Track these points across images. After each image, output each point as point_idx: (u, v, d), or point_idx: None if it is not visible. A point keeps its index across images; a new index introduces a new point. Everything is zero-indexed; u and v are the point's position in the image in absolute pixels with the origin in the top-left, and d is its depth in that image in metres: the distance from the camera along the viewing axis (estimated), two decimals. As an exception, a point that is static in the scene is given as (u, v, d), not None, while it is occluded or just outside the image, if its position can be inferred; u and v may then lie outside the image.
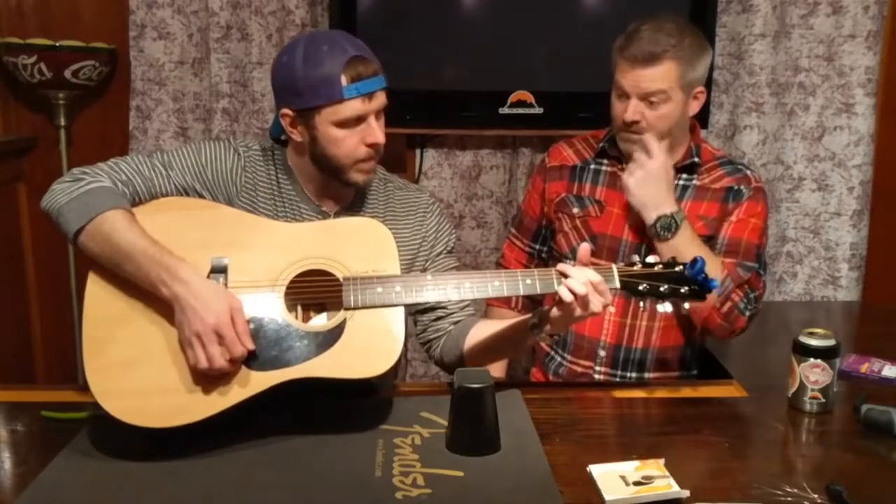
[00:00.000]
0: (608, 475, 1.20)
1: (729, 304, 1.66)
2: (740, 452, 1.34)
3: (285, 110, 1.45)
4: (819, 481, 1.20)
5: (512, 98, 2.55)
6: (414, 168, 2.73)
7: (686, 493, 1.16)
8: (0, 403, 1.48)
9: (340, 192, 1.55)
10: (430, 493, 1.15)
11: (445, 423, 1.32)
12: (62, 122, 2.63)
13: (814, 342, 1.45)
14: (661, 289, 1.38)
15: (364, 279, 1.35)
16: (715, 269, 1.61)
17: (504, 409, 1.32)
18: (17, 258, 2.73)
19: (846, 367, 1.65)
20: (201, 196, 1.48)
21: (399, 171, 2.76)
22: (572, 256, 1.76)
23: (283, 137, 1.53)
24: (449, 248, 1.65)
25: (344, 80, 1.38)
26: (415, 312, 1.63)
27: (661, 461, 1.23)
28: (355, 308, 1.33)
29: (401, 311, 1.35)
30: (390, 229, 1.50)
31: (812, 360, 1.44)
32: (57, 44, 2.47)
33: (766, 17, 2.56)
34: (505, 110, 2.56)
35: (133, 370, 1.27)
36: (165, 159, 1.48)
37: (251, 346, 1.27)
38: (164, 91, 2.64)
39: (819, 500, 1.16)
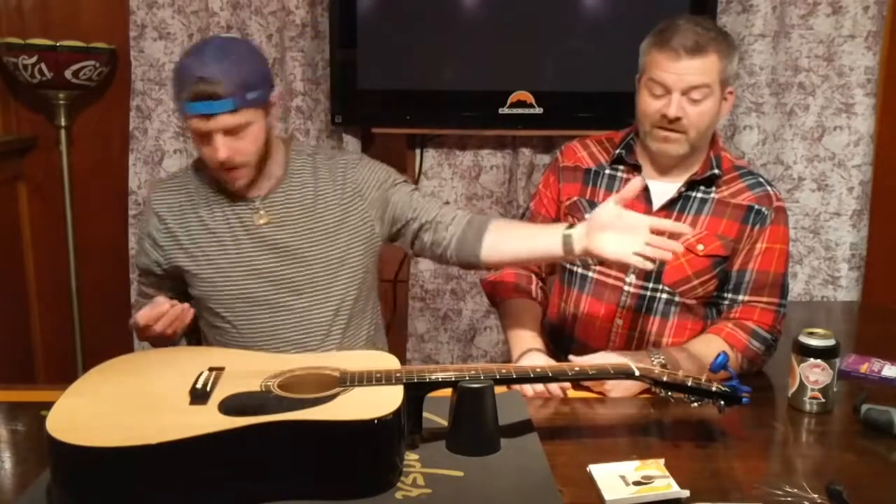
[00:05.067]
0: (608, 475, 1.20)
1: (748, 365, 1.64)
2: (740, 452, 1.34)
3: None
4: (819, 481, 1.20)
5: (512, 98, 2.55)
6: (414, 168, 2.73)
7: (686, 493, 1.16)
8: (0, 403, 1.48)
9: (260, 177, 1.65)
10: (430, 493, 1.15)
11: (445, 423, 1.32)
12: (62, 122, 2.63)
13: (814, 342, 1.45)
14: (690, 398, 1.34)
15: (362, 372, 1.28)
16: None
17: (504, 409, 1.32)
18: (17, 258, 2.73)
19: (846, 367, 1.65)
20: (172, 265, 1.68)
21: (399, 170, 2.75)
22: (580, 264, 1.74)
23: None
24: (393, 181, 1.73)
25: (187, 95, 1.50)
26: (410, 242, 1.73)
27: (661, 461, 1.23)
28: (350, 385, 1.25)
29: (400, 388, 1.23)
30: (322, 196, 1.68)
31: (812, 360, 1.44)
32: (57, 44, 2.47)
33: (766, 17, 2.56)
34: (505, 110, 2.56)
35: (95, 415, 1.17)
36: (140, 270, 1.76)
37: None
38: (164, 91, 2.64)
39: (819, 500, 1.16)
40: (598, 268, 1.72)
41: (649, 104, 1.62)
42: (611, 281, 1.71)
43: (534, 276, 1.83)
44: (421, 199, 1.71)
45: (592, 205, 1.73)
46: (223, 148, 1.53)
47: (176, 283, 1.71)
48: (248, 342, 1.66)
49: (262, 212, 1.65)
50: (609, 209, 1.46)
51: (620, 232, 1.43)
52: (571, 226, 1.51)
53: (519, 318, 1.74)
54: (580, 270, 1.74)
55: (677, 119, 1.59)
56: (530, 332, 1.71)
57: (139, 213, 1.77)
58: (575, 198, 1.76)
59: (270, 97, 1.59)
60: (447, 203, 1.73)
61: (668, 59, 1.58)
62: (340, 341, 1.70)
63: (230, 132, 1.53)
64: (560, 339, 1.79)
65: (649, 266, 1.42)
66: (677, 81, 1.58)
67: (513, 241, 1.62)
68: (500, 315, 1.83)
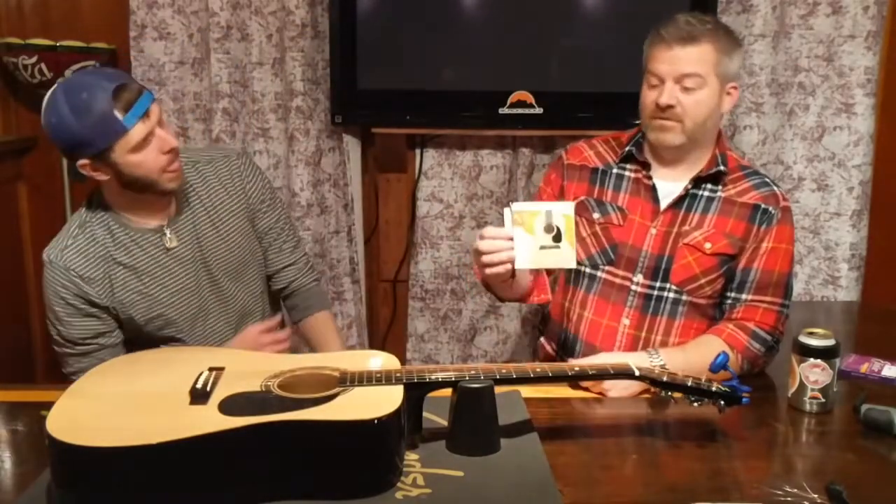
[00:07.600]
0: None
1: (749, 367, 1.63)
2: (740, 452, 1.34)
3: (81, 161, 1.57)
4: (819, 481, 1.21)
5: (512, 98, 2.55)
6: (414, 168, 2.73)
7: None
8: (0, 403, 1.48)
9: (159, 203, 1.68)
10: (430, 493, 1.15)
11: (445, 423, 1.32)
12: (62, 122, 2.63)
13: (814, 342, 1.45)
14: (690, 398, 1.35)
15: (362, 372, 1.29)
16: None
17: (504, 409, 1.32)
18: (17, 258, 2.73)
19: (846, 367, 1.65)
20: (120, 317, 1.68)
21: (399, 170, 2.77)
22: (588, 264, 1.72)
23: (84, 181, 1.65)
24: (271, 197, 1.87)
25: (118, 113, 1.51)
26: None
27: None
28: (350, 385, 1.25)
29: (400, 388, 1.23)
30: (217, 206, 1.76)
31: (812, 360, 1.44)
32: (57, 44, 2.47)
33: (766, 17, 2.56)
34: (505, 110, 2.56)
35: (95, 415, 1.18)
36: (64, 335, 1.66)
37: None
38: (165, 91, 2.64)
39: (819, 500, 1.16)
40: (606, 267, 1.71)
41: (646, 95, 1.66)
42: (618, 281, 1.70)
43: None
44: (288, 237, 1.90)
45: (600, 204, 1.73)
46: (167, 135, 1.59)
47: (120, 334, 1.70)
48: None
49: (169, 236, 1.69)
50: None
51: None
52: None
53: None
54: (588, 270, 1.73)
55: (670, 107, 1.61)
56: None
57: (50, 289, 1.65)
58: (582, 197, 1.75)
59: None
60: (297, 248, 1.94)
61: (660, 49, 1.62)
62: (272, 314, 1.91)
63: (160, 123, 1.59)
64: (565, 341, 1.77)
65: None
66: (669, 70, 1.61)
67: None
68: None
